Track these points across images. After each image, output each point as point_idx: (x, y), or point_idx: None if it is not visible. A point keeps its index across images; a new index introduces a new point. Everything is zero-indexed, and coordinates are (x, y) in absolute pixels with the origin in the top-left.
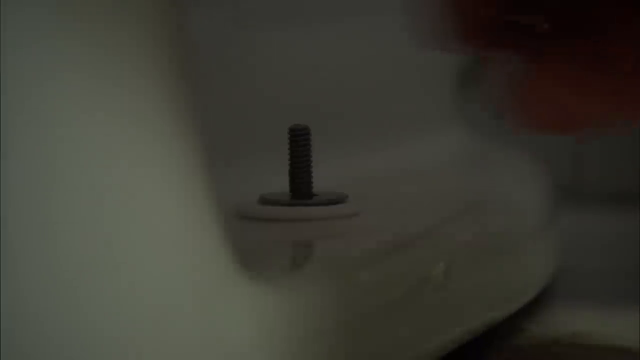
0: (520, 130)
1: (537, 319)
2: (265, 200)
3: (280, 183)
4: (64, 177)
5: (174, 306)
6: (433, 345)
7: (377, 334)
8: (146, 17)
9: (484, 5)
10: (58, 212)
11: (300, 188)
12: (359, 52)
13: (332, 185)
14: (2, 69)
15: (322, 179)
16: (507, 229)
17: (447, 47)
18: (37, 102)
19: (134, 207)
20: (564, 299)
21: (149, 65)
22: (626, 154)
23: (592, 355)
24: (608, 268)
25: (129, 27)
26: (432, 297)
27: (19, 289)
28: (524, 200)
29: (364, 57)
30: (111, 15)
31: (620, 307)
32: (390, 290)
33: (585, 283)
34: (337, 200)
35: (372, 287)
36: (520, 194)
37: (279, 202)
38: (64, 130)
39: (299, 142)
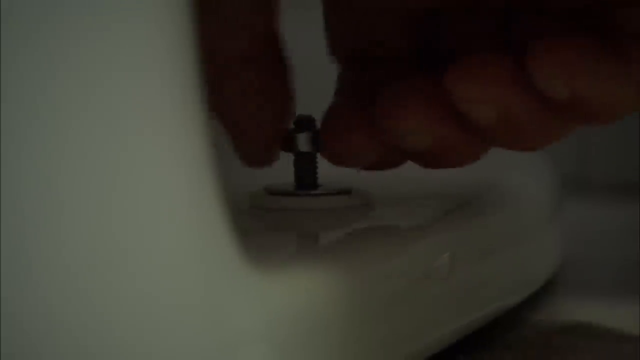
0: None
1: (541, 309)
2: (270, 190)
3: (285, 174)
4: (70, 171)
5: (181, 296)
6: (438, 336)
7: (381, 326)
8: (160, 6)
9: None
10: (63, 207)
11: (305, 178)
12: None
13: (336, 175)
14: (2, 61)
15: (327, 169)
16: (512, 220)
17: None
18: (40, 96)
19: (142, 196)
20: (569, 290)
21: (160, 56)
22: (632, 145)
23: (596, 345)
24: (613, 259)
25: (141, 16)
26: (437, 289)
27: (25, 288)
28: (530, 191)
29: None
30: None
31: (625, 298)
32: (395, 282)
33: (590, 273)
34: (342, 191)
35: (377, 278)
36: (525, 185)
37: (284, 192)
38: (70, 123)
39: (302, 125)
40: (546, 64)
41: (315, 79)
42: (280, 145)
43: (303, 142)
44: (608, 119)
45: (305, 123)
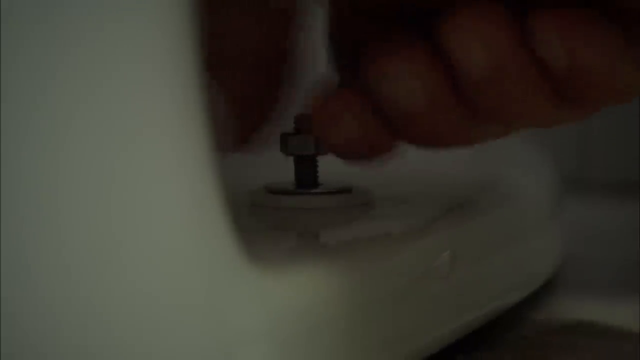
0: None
1: (541, 308)
2: (270, 189)
3: (285, 172)
4: (71, 172)
5: (182, 295)
6: (439, 335)
7: (382, 324)
8: (161, 6)
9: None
10: (64, 207)
11: (306, 177)
12: None
13: (337, 174)
14: (2, 61)
15: (327, 168)
16: (513, 219)
17: None
18: (40, 97)
19: (143, 195)
20: (569, 289)
21: (161, 55)
22: (632, 144)
23: (596, 344)
24: (613, 257)
25: (142, 15)
26: (439, 287)
27: (26, 288)
28: (530, 190)
29: None
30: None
31: (626, 296)
32: (396, 280)
33: (590, 272)
34: (343, 189)
35: (378, 276)
36: (526, 184)
37: (284, 191)
38: (70, 124)
39: (305, 131)
40: (548, 29)
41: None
42: (279, 147)
43: (303, 145)
44: (604, 99)
45: (305, 124)
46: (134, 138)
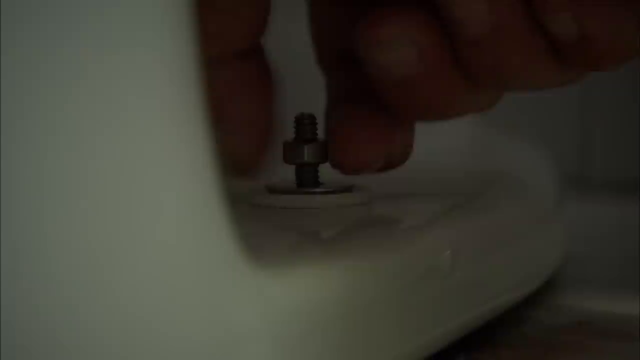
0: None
1: (543, 307)
2: (271, 189)
3: (286, 172)
4: (70, 170)
5: (182, 294)
6: (440, 334)
7: (383, 323)
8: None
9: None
10: (64, 207)
11: (307, 177)
12: None
13: (337, 174)
14: (2, 61)
15: (328, 167)
16: (514, 218)
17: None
18: (39, 96)
19: (142, 193)
20: (571, 287)
21: (160, 52)
22: (633, 143)
23: (597, 343)
24: (614, 256)
25: (142, 14)
26: (440, 285)
27: (25, 287)
28: (532, 189)
29: None
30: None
31: (627, 295)
32: (397, 279)
33: (592, 271)
34: (344, 189)
35: (378, 276)
36: (527, 183)
37: (285, 191)
38: (70, 122)
39: (305, 131)
40: (560, 8)
41: (315, 77)
42: (283, 157)
43: (306, 153)
44: (611, 63)
45: (307, 125)
46: (133, 137)
